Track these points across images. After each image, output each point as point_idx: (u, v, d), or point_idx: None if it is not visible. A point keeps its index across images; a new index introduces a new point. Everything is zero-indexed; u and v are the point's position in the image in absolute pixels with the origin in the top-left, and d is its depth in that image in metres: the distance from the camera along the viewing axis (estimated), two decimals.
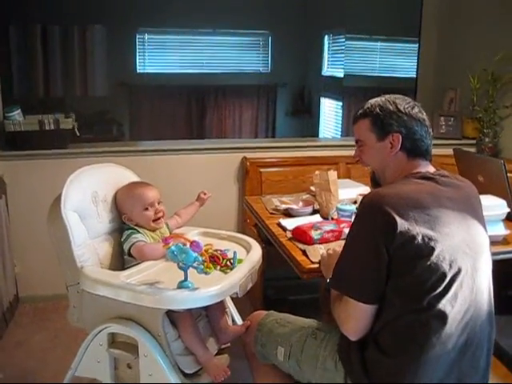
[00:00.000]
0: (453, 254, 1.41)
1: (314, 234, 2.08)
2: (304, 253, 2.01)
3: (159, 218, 1.89)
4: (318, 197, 2.45)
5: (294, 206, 2.49)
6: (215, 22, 6.61)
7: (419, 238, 1.38)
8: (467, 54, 3.90)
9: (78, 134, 3.17)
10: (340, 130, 6.52)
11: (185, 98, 7.08)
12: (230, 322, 1.99)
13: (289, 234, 2.20)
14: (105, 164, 1.97)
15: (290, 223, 2.31)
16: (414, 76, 4.43)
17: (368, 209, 1.46)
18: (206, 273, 1.53)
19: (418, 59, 4.46)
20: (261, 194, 3.44)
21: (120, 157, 3.27)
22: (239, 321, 2.05)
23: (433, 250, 1.38)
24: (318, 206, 2.51)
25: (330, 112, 7.02)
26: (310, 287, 2.56)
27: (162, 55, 6.79)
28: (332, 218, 2.35)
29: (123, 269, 1.84)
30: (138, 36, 6.61)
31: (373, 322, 1.44)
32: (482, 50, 3.69)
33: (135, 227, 1.86)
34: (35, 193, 3.06)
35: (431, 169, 1.61)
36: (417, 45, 4.38)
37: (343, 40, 6.12)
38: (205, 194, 2.19)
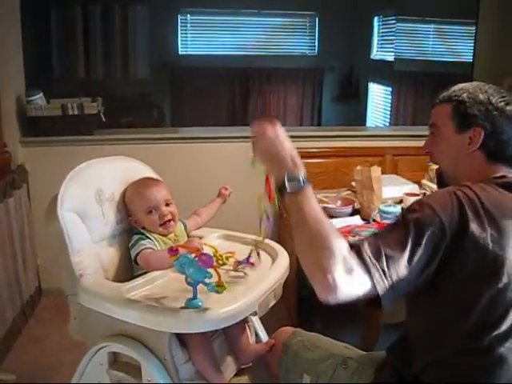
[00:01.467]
0: None
1: (352, 241, 1.81)
2: None
3: (168, 222, 1.66)
4: (359, 195, 2.19)
5: (332, 206, 2.23)
6: (260, 2, 6.34)
7: (490, 257, 1.13)
8: None
9: (103, 119, 2.98)
10: (389, 117, 6.15)
11: (228, 81, 6.85)
12: (252, 338, 1.75)
13: None
14: (114, 157, 1.74)
15: None
16: (470, 61, 4.06)
17: (440, 194, 1.21)
18: (217, 292, 1.29)
19: (474, 43, 4.09)
20: None
21: (149, 144, 3.09)
22: (264, 335, 1.81)
23: (502, 276, 1.13)
24: (358, 206, 2.24)
25: (379, 98, 6.65)
26: None
27: (205, 37, 6.56)
28: (374, 221, 2.08)
29: (132, 277, 1.63)
30: (180, 17, 6.40)
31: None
32: None
33: (143, 231, 1.64)
34: (58, 182, 2.88)
35: None
36: (473, 27, 4.01)
37: (394, 22, 5.73)
38: (226, 188, 1.95)
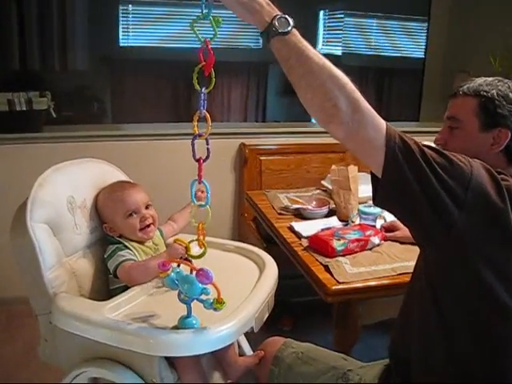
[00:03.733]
0: None
1: (337, 245, 1.75)
2: (327, 269, 1.67)
3: (148, 226, 1.52)
4: (336, 196, 2.11)
5: (307, 206, 2.14)
6: None
7: None
8: (482, 35, 3.56)
9: (54, 115, 2.77)
10: None
11: (171, 74, 6.63)
12: (236, 350, 1.65)
13: (305, 242, 1.87)
14: (83, 160, 1.57)
15: (304, 227, 1.97)
16: (421, 57, 4.10)
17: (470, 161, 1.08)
18: (215, 309, 1.17)
19: (426, 39, 4.13)
20: (260, 185, 3.10)
21: (100, 141, 2.90)
22: (246, 345, 1.71)
23: None
24: (333, 206, 2.17)
25: None
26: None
27: (147, 28, 6.30)
28: (352, 222, 2.01)
29: (108, 291, 1.49)
30: (121, 7, 6.12)
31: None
32: (499, 30, 3.35)
33: (120, 240, 1.50)
34: (4, 184, 2.66)
35: None
36: (425, 24, 4.04)
37: (342, 16, 5.71)
38: (202, 191, 1.82)
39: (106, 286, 1.50)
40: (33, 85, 3.18)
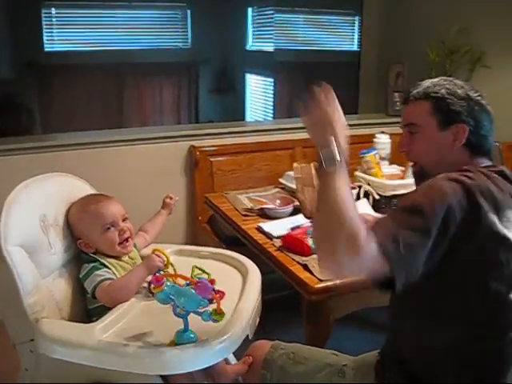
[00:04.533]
0: None
1: (311, 243, 1.75)
2: (305, 267, 1.67)
3: (127, 240, 1.46)
4: (300, 193, 2.11)
5: (272, 206, 2.14)
6: None
7: (500, 232, 1.12)
8: (416, 26, 3.68)
9: None
10: (272, 109, 6.18)
11: (100, 80, 6.45)
12: None
13: (277, 243, 1.86)
14: (50, 175, 1.48)
15: (272, 228, 1.97)
16: (357, 49, 4.18)
17: (448, 180, 1.15)
18: (215, 320, 1.14)
19: (360, 32, 4.22)
20: (213, 187, 3.06)
21: (31, 154, 2.73)
22: (231, 355, 1.68)
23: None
24: (297, 203, 2.17)
25: (258, 89, 6.67)
26: (282, 284, 2.01)
27: (72, 32, 6.08)
28: None
29: (87, 311, 1.42)
30: (43, 11, 5.88)
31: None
32: (434, 21, 3.47)
33: (95, 257, 1.43)
34: None
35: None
36: (358, 17, 4.13)
37: (271, 12, 5.75)
38: (171, 198, 1.78)
39: (85, 305, 1.42)
40: None
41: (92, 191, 1.58)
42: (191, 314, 1.16)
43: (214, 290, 1.18)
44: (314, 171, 2.08)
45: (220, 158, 3.11)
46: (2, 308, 1.28)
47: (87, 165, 2.80)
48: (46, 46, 6.03)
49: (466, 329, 1.16)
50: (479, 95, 1.29)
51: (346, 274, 1.15)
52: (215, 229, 2.84)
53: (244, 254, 1.88)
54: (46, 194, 1.41)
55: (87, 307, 1.42)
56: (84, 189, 1.55)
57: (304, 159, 3.22)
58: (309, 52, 5.45)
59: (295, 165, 2.15)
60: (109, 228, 1.43)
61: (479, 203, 1.11)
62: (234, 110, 7.04)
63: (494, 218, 1.11)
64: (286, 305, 2.12)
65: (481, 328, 1.15)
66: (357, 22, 4.26)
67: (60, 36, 6.07)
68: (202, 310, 1.15)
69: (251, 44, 6.64)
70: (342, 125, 1.13)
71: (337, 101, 1.16)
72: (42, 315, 1.26)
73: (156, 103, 7.01)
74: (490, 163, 1.30)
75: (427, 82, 1.33)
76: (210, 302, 1.15)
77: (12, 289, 1.22)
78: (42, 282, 1.32)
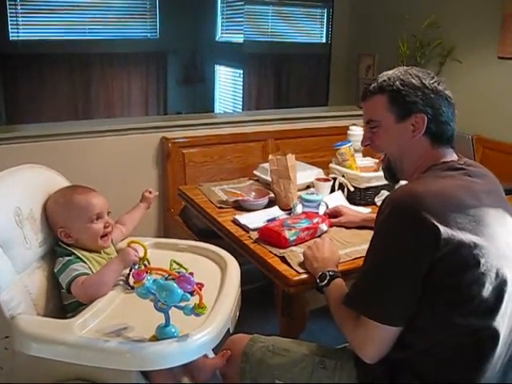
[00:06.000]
0: (498, 261, 1.18)
1: (289, 235, 1.75)
2: (283, 260, 1.67)
3: (107, 234, 1.44)
4: (276, 185, 2.11)
5: (247, 198, 2.12)
6: None
7: (465, 247, 1.13)
8: (387, 19, 3.71)
9: None
10: (241, 99, 6.16)
11: (67, 70, 6.30)
12: None
13: (254, 235, 1.85)
14: (22, 167, 1.44)
15: (248, 220, 1.96)
16: (324, 42, 4.20)
17: (403, 216, 1.17)
18: (197, 314, 1.13)
19: (330, 25, 4.23)
20: (185, 179, 3.04)
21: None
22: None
23: (480, 258, 1.14)
24: (272, 195, 2.16)
25: (227, 80, 6.63)
26: (255, 275, 2.02)
27: (38, 20, 5.92)
28: (295, 210, 2.02)
29: (62, 306, 1.39)
30: None
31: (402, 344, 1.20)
32: (405, 13, 3.50)
33: (72, 250, 1.40)
34: None
35: (455, 157, 1.35)
36: (328, 9, 4.14)
37: (242, 4, 5.71)
38: (150, 192, 1.76)
39: (59, 300, 1.39)
40: None
41: (67, 183, 1.54)
42: (172, 308, 1.15)
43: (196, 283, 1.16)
44: (289, 163, 2.08)
45: (192, 150, 3.09)
46: None
47: (56, 156, 2.73)
48: (11, 34, 5.86)
49: (445, 326, 1.17)
50: (436, 81, 1.30)
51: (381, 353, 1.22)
52: (187, 221, 2.82)
53: (219, 247, 1.87)
54: (20, 187, 1.37)
55: (62, 303, 1.39)
56: (59, 181, 1.52)
57: (276, 151, 3.22)
58: (279, 44, 5.44)
59: (271, 157, 2.14)
60: (95, 219, 1.41)
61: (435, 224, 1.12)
62: (202, 101, 6.99)
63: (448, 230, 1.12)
64: (260, 296, 2.11)
65: (458, 323, 1.17)
66: (326, 14, 4.26)
67: (26, 25, 5.90)
68: (183, 304, 1.13)
69: (220, 35, 6.59)
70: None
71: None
72: (18, 311, 1.23)
73: (124, 94, 6.91)
74: (451, 153, 1.33)
75: (383, 76, 1.34)
76: (191, 294, 1.14)
77: None
78: (17, 277, 1.29)
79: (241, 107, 6.20)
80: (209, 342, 1.16)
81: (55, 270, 1.38)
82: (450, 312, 1.15)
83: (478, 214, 1.19)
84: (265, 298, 1.96)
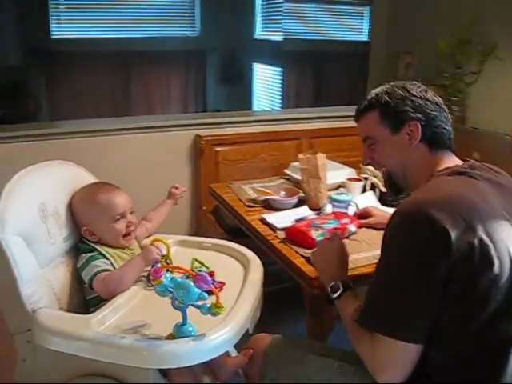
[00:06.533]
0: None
1: (316, 235, 1.72)
2: (308, 261, 1.64)
3: (130, 233, 1.44)
4: (305, 185, 2.08)
5: (276, 197, 2.10)
6: None
7: (477, 249, 1.09)
8: (426, 16, 3.62)
9: None
10: (280, 99, 6.13)
11: (108, 67, 6.42)
12: None
13: (280, 235, 1.83)
14: (50, 162, 1.46)
15: (276, 219, 1.93)
16: (366, 40, 4.13)
17: (411, 225, 1.13)
18: (214, 314, 1.12)
19: (370, 22, 4.16)
20: (217, 176, 3.03)
21: (38, 141, 2.71)
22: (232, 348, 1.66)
23: (493, 260, 1.10)
24: (302, 195, 2.14)
25: (266, 79, 6.62)
26: (285, 276, 2.12)
27: (80, 18, 6.05)
28: (324, 210, 1.99)
29: (85, 302, 1.40)
30: None
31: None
32: (444, 12, 3.41)
33: (95, 246, 1.41)
34: None
35: (458, 161, 1.33)
36: (368, 7, 4.07)
37: (281, 1, 5.68)
38: (177, 188, 1.75)
39: (82, 295, 1.41)
40: None
41: (93, 180, 1.55)
42: (190, 306, 1.14)
43: (213, 282, 1.15)
44: (319, 162, 2.05)
45: (225, 148, 3.08)
46: (0, 296, 1.26)
47: (92, 152, 2.79)
48: (53, 33, 6.01)
49: (464, 335, 1.13)
50: (422, 89, 1.34)
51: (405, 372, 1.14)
52: (219, 219, 2.82)
53: (247, 246, 1.86)
54: (46, 183, 1.39)
55: (85, 298, 1.40)
56: (85, 177, 1.53)
57: (310, 150, 3.19)
58: (318, 42, 5.39)
59: (301, 156, 2.11)
60: (118, 219, 1.41)
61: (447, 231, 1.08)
62: (241, 99, 7.00)
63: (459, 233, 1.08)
64: (288, 297, 2.09)
65: (478, 330, 1.12)
66: (367, 12, 4.20)
67: (68, 23, 6.05)
68: (201, 303, 1.12)
69: (259, 33, 6.58)
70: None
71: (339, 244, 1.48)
72: (40, 305, 1.24)
73: (163, 92, 6.99)
74: (452, 157, 1.32)
75: (371, 94, 1.39)
76: (209, 294, 1.13)
77: (9, 279, 1.20)
78: (41, 271, 1.31)
79: (279, 105, 6.18)
80: (225, 342, 1.14)
81: (78, 266, 1.39)
82: (468, 319, 1.11)
83: (487, 216, 1.14)
84: (294, 298, 1.94)
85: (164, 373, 1.27)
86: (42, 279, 1.29)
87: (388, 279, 1.16)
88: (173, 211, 2.94)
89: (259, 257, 1.74)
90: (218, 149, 3.05)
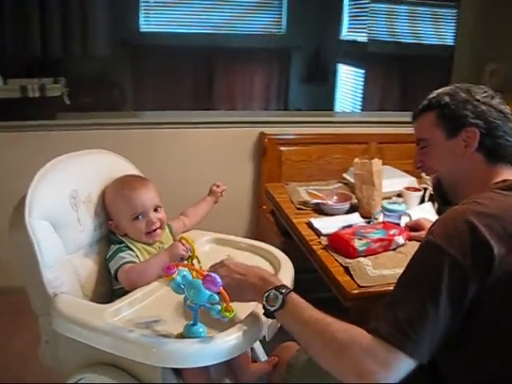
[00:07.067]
0: None
1: (358, 245, 1.64)
2: (347, 270, 1.56)
3: (154, 231, 1.42)
4: (358, 191, 2.00)
5: (328, 201, 2.03)
6: None
7: None
8: None
9: (67, 101, 2.70)
10: (360, 101, 5.98)
11: (191, 62, 6.53)
12: (249, 355, 1.55)
13: (324, 241, 1.76)
14: (88, 151, 1.47)
15: (323, 224, 1.86)
16: (451, 44, 3.92)
17: (451, 228, 1.01)
18: (224, 317, 1.08)
19: (456, 26, 3.95)
20: (280, 177, 2.98)
21: (114, 129, 2.81)
22: (262, 352, 1.62)
23: None
24: (355, 201, 2.05)
25: (349, 80, 6.48)
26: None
27: (168, 14, 6.20)
28: (375, 219, 1.89)
29: (112, 291, 1.40)
30: None
31: None
32: None
33: (123, 239, 1.41)
34: (16, 170, 2.59)
35: None
36: (455, 10, 3.86)
37: (367, 2, 5.53)
38: (218, 186, 1.72)
39: (110, 285, 1.41)
40: (51, 71, 3.12)
41: (133, 171, 1.55)
42: (202, 307, 1.11)
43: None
44: (374, 168, 1.95)
45: (290, 148, 3.04)
46: (25, 279, 1.28)
47: (156, 144, 2.88)
48: (141, 26, 6.19)
49: (497, 369, 1.02)
50: (489, 95, 1.21)
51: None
52: (277, 219, 2.78)
53: (299, 248, 1.81)
54: (80, 171, 1.40)
55: (113, 287, 1.40)
56: (124, 168, 1.53)
57: (378, 155, 3.07)
58: (401, 44, 5.19)
59: (356, 160, 2.03)
60: (137, 217, 1.39)
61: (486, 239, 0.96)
62: (323, 99, 6.89)
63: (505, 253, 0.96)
64: (334, 306, 2.01)
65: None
66: (453, 15, 3.99)
67: (156, 17, 6.20)
68: (210, 306, 1.09)
69: (345, 34, 6.45)
70: (257, 273, 1.16)
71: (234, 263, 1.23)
72: (61, 290, 1.26)
73: (245, 89, 7.01)
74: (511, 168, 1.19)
75: (433, 93, 1.29)
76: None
77: (32, 262, 1.22)
78: (68, 257, 1.32)
79: (359, 107, 6.03)
80: (233, 348, 1.09)
81: (107, 257, 1.39)
82: (503, 353, 1.00)
83: None
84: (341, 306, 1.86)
85: (179, 371, 1.25)
86: (67, 265, 1.31)
87: (411, 288, 1.01)
88: (233, 209, 2.95)
89: (304, 262, 1.69)
90: (282, 148, 3.01)
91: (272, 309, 1.06)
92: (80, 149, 1.46)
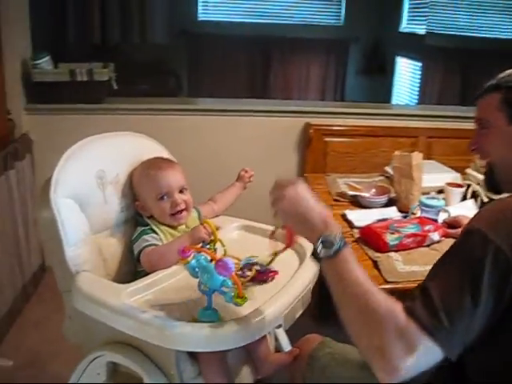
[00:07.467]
0: None
1: (390, 239, 1.59)
2: (376, 265, 1.52)
3: (180, 212, 1.42)
4: (397, 184, 1.94)
5: (365, 194, 1.98)
6: None
7: None
8: None
9: (115, 86, 2.75)
10: (417, 95, 5.81)
11: (248, 51, 6.53)
12: (272, 344, 1.54)
13: (356, 233, 1.72)
14: (119, 133, 1.49)
15: (358, 217, 1.83)
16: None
17: (488, 212, 0.97)
18: (236, 304, 1.07)
19: None
20: (324, 168, 2.94)
21: (161, 115, 2.85)
22: (286, 343, 1.60)
23: None
24: (394, 195, 1.99)
25: (407, 74, 6.31)
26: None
27: (225, 2, 6.23)
28: (413, 214, 1.83)
29: (136, 272, 1.42)
30: None
31: None
32: None
33: (149, 221, 1.42)
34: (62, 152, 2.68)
35: None
36: None
37: None
38: (246, 171, 1.71)
39: (134, 267, 1.42)
40: (111, 57, 3.20)
41: (163, 153, 1.56)
42: (216, 292, 1.10)
43: (241, 270, 1.09)
44: (413, 161, 1.89)
45: (336, 139, 2.99)
46: (49, 256, 1.31)
47: (212, 130, 2.94)
48: (199, 15, 6.24)
49: None
50: None
51: (407, 374, 0.89)
52: None
53: None
54: (109, 152, 1.42)
55: (136, 269, 1.42)
56: (155, 150, 1.54)
57: (427, 150, 2.98)
58: (461, 37, 4.99)
59: (396, 153, 1.97)
60: (162, 197, 1.40)
61: None
62: (380, 92, 6.75)
63: None
64: None
65: None
66: None
67: (214, 6, 6.24)
68: (226, 291, 1.08)
69: (404, 26, 6.28)
70: (322, 214, 1.03)
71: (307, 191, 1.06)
72: (84, 268, 1.28)
73: (302, 79, 6.95)
74: None
75: (504, 72, 1.17)
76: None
77: (56, 238, 1.25)
78: (93, 237, 1.34)
79: (416, 101, 5.87)
80: (244, 335, 1.08)
81: (132, 239, 1.41)
82: None
83: None
84: None
85: (196, 356, 1.25)
86: (91, 244, 1.33)
87: (456, 278, 0.93)
88: None
89: None
90: (327, 139, 2.97)
91: (322, 255, 0.99)
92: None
